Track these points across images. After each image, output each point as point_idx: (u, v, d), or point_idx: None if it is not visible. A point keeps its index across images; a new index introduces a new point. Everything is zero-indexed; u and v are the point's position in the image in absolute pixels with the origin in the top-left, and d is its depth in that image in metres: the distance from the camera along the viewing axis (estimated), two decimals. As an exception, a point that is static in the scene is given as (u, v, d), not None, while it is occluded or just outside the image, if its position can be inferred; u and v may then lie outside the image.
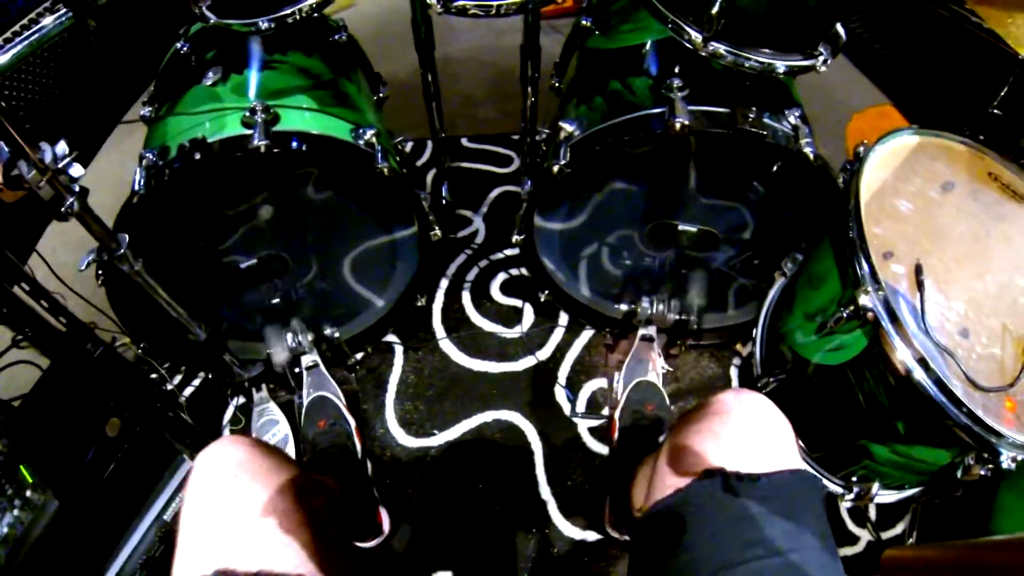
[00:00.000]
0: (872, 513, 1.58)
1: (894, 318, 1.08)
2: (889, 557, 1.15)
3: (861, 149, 1.29)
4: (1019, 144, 1.39)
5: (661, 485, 0.88)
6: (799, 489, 0.80)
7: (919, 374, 1.06)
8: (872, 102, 2.32)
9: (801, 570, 0.73)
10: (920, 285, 1.14)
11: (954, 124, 1.43)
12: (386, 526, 1.53)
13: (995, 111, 1.48)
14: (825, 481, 1.39)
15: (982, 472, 1.10)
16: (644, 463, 1.27)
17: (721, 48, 1.20)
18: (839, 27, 1.25)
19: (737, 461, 0.81)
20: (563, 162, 1.37)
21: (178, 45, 1.57)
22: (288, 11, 1.35)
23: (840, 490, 1.38)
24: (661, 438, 1.50)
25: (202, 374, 1.77)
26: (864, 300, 1.10)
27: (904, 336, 1.07)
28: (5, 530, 1.17)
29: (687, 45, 1.23)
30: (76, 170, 1.07)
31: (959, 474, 1.12)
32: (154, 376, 1.62)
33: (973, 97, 1.56)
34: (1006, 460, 1.04)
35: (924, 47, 2.03)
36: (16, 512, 1.19)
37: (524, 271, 1.97)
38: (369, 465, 1.64)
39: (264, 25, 1.34)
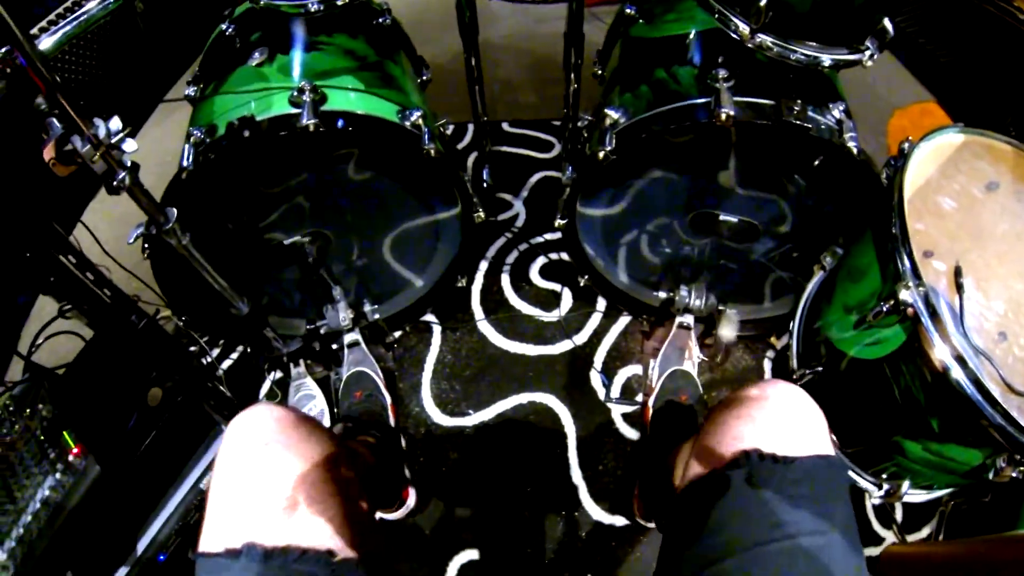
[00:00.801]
0: (899, 515, 1.57)
1: (934, 314, 1.08)
2: (890, 554, 1.16)
3: (906, 145, 1.29)
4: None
5: (697, 464, 0.90)
6: (829, 475, 0.81)
7: (956, 372, 1.06)
8: (915, 99, 2.28)
9: (827, 553, 0.74)
10: (959, 288, 1.14)
11: (999, 123, 1.41)
12: (412, 499, 1.55)
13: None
14: (856, 477, 1.39)
15: (1013, 474, 1.09)
16: (677, 452, 1.28)
17: (768, 40, 1.20)
18: (886, 22, 1.24)
19: (772, 444, 0.82)
20: (608, 148, 1.38)
21: (223, 27, 1.58)
22: (339, -5, 1.36)
23: (870, 486, 1.38)
24: (693, 423, 1.51)
25: (240, 348, 1.80)
26: (904, 295, 1.10)
27: (943, 333, 1.07)
28: (47, 492, 1.20)
29: (734, 36, 1.22)
30: (129, 145, 1.09)
31: (990, 475, 1.12)
32: (193, 349, 1.65)
33: (1018, 96, 1.53)
34: (1039, 464, 1.04)
35: (970, 44, 1.99)
36: (58, 476, 1.22)
37: (563, 256, 1.98)
38: (403, 440, 1.67)
39: (314, 8, 1.35)
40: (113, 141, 1.06)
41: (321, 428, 0.92)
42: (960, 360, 1.05)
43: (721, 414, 0.91)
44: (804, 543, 0.74)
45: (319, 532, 0.79)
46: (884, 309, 1.15)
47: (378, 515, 1.53)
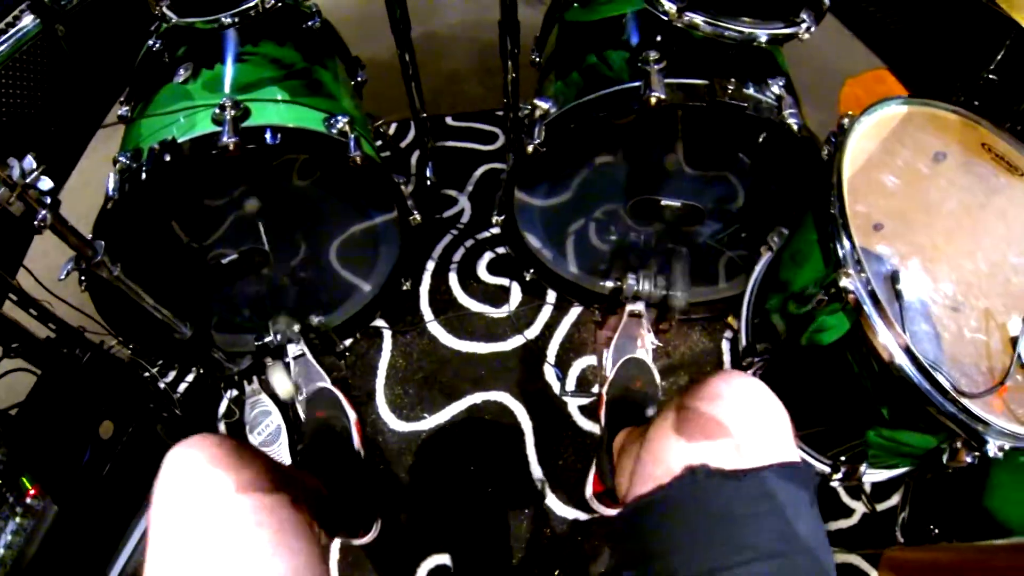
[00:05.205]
0: (867, 485, 1.56)
1: (877, 302, 1.04)
2: (889, 558, 1.13)
3: (846, 120, 1.24)
4: (1016, 109, 1.33)
5: (642, 478, 0.81)
6: (792, 486, 0.73)
7: (902, 360, 1.02)
8: (867, 67, 2.22)
9: (791, 573, 0.68)
10: (898, 295, 1.09)
11: (950, 89, 1.36)
12: (377, 525, 1.52)
13: (990, 76, 1.40)
14: (812, 460, 1.37)
15: (968, 459, 1.06)
16: (628, 434, 1.25)
17: (697, 18, 1.16)
18: (823, -8, 1.19)
19: (724, 455, 0.74)
20: (537, 141, 1.34)
21: (150, 43, 1.54)
22: (250, 4, 1.31)
23: (828, 470, 1.36)
24: (649, 411, 1.49)
25: (195, 370, 1.78)
26: (845, 282, 1.07)
27: (887, 321, 1.03)
28: (9, 538, 1.19)
29: (661, 16, 1.18)
30: (45, 183, 1.07)
31: (945, 459, 1.09)
32: (147, 375, 1.63)
33: (968, 62, 1.47)
34: (992, 449, 1.01)
35: (918, 9, 1.94)
36: (19, 520, 1.20)
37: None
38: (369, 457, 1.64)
39: (227, 21, 1.31)
40: (28, 180, 1.04)
41: (258, 455, 0.86)
42: (906, 349, 1.02)
43: (668, 417, 0.83)
44: (765, 568, 0.68)
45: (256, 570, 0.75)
46: (826, 297, 1.11)
47: (338, 541, 1.52)
